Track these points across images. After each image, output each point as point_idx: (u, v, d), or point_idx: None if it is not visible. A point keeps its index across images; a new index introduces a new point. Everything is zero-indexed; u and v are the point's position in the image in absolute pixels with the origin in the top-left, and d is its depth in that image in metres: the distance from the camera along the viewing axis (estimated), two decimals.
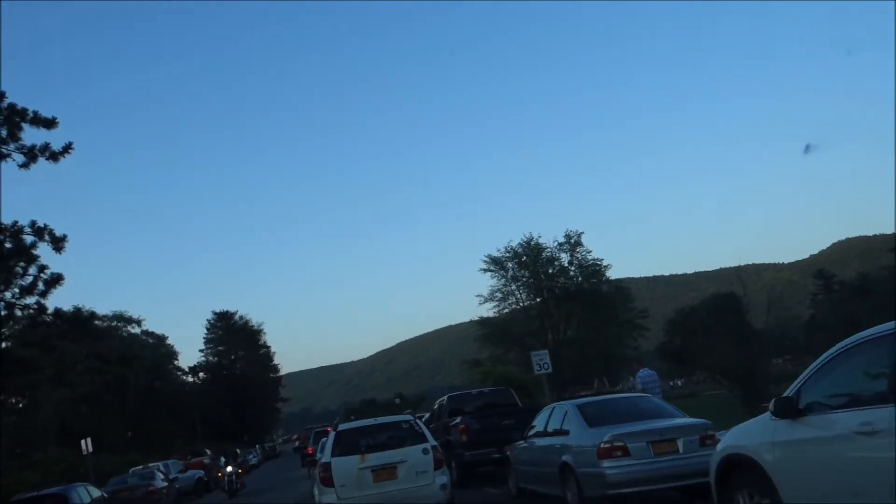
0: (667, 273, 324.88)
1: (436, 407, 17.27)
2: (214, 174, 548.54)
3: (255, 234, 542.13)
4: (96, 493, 15.09)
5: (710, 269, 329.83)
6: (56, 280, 15.80)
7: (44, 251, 16.88)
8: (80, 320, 16.20)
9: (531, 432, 10.74)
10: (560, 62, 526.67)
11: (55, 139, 16.64)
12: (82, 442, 25.46)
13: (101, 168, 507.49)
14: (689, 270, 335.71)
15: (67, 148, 16.64)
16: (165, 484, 20.08)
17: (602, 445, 8.21)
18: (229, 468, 21.77)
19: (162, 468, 23.80)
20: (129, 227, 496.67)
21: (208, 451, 33.40)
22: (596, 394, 17.36)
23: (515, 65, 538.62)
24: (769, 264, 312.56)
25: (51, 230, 16.51)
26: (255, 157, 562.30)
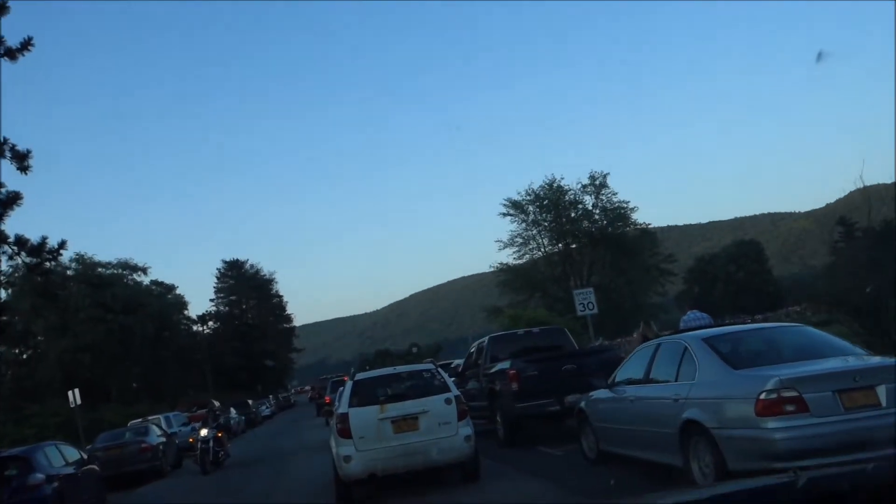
0: (680, 223, 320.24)
1: (473, 350, 14.65)
2: (225, 120, 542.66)
3: (265, 185, 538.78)
4: (73, 453, 12.67)
5: (724, 218, 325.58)
6: (13, 200, 13.12)
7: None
8: (47, 251, 13.52)
9: (620, 378, 8.06)
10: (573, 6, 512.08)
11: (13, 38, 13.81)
12: (69, 393, 23.21)
13: (108, 113, 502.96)
14: (704, 220, 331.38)
15: (27, 44, 13.78)
16: (163, 440, 17.68)
17: (764, 396, 5.47)
18: (204, 431, 15.79)
19: (163, 421, 21.59)
20: (136, 175, 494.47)
21: (216, 403, 31.27)
22: (643, 341, 14.72)
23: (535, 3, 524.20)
24: (785, 213, 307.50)
25: (12, 145, 13.75)
26: (266, 102, 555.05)
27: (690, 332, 7.21)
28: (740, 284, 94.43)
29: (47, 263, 14.07)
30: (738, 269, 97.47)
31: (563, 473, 8.95)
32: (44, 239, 13.54)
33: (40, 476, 10.78)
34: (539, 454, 10.93)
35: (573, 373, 11.37)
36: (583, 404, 8.97)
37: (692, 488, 1.69)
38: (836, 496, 1.37)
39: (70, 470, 11.89)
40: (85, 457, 13.18)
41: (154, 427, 18.21)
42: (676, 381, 6.71)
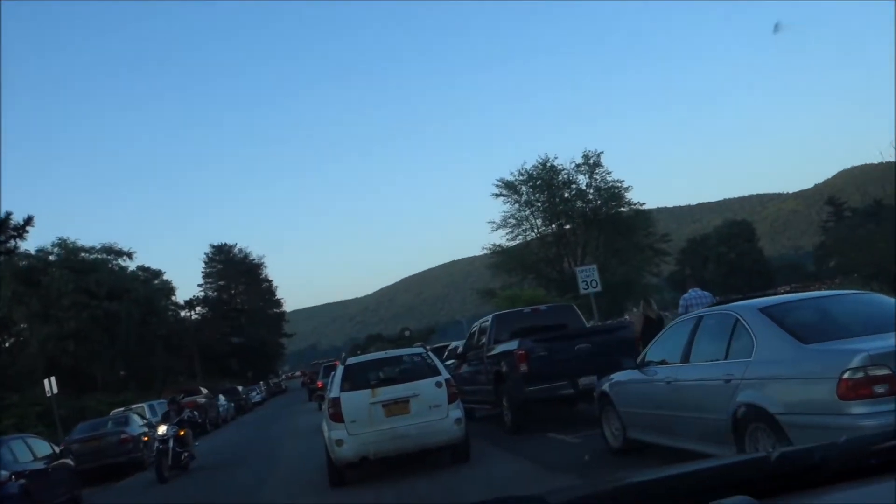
0: (670, 205, 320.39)
1: (474, 330, 13.68)
2: (212, 102, 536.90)
3: (253, 170, 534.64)
4: (43, 447, 11.67)
5: (713, 199, 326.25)
6: None
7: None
8: (12, 228, 12.43)
9: (652, 358, 7.14)
10: None
11: None
12: (45, 382, 22.14)
13: (92, 95, 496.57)
14: (693, 202, 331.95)
15: None
16: (144, 430, 16.63)
17: (848, 375, 4.55)
18: (162, 429, 12.80)
19: (147, 410, 20.60)
20: (121, 158, 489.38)
21: (203, 390, 30.26)
22: (645, 321, 13.79)
23: None
24: (773, 194, 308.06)
25: None
26: (252, 84, 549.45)
27: (740, 303, 6.26)
28: (732, 265, 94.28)
29: (13, 241, 12.97)
30: (730, 250, 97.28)
31: (585, 463, 8.04)
32: (7, 215, 12.55)
33: (4, 473, 9.82)
34: (552, 442, 10.03)
35: (587, 353, 10.47)
36: (606, 387, 8.05)
37: (669, 465, 1.62)
38: (808, 470, 1.37)
39: (39, 465, 10.93)
40: (57, 450, 12.18)
41: (136, 417, 17.18)
42: (726, 358, 5.79)
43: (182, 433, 13.41)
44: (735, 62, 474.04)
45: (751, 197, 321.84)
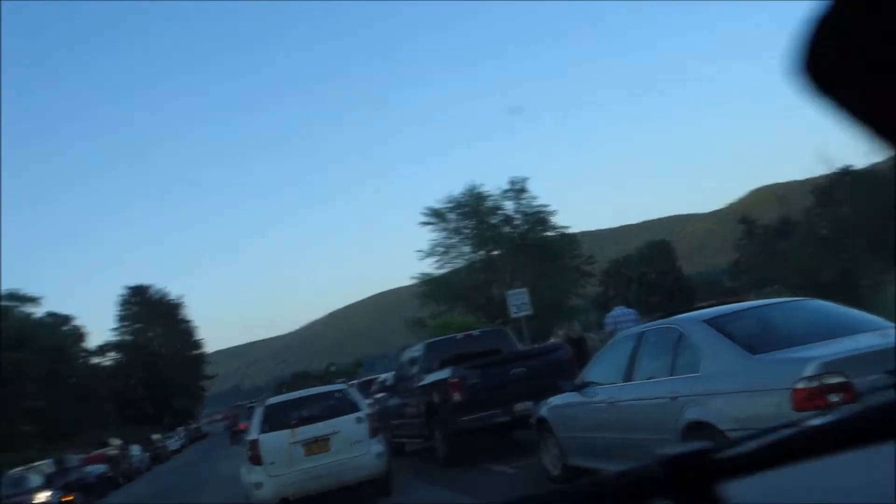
0: (593, 228, 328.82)
1: (405, 360, 13.07)
2: (122, 136, 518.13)
3: (169, 209, 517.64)
4: None
5: (633, 221, 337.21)
6: None
7: None
8: None
9: (591, 378, 6.77)
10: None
11: None
12: None
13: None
14: (615, 224, 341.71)
15: None
16: (48, 492, 15.04)
17: (803, 385, 4.26)
18: (43, 496, 11.31)
19: (52, 467, 18.86)
20: (28, 199, 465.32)
21: (116, 441, 28.25)
22: (567, 342, 13.62)
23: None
24: (690, 215, 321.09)
25: None
26: (165, 117, 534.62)
27: (682, 316, 5.98)
28: (653, 284, 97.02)
29: None
30: (651, 270, 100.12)
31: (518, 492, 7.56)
32: None
33: None
34: (487, 473, 9.54)
35: (522, 377, 10.08)
36: (543, 412, 7.63)
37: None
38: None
39: None
40: None
41: (34, 476, 15.59)
42: (672, 375, 5.46)
43: (69, 498, 11.78)
44: (651, 87, 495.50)
45: (669, 218, 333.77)
